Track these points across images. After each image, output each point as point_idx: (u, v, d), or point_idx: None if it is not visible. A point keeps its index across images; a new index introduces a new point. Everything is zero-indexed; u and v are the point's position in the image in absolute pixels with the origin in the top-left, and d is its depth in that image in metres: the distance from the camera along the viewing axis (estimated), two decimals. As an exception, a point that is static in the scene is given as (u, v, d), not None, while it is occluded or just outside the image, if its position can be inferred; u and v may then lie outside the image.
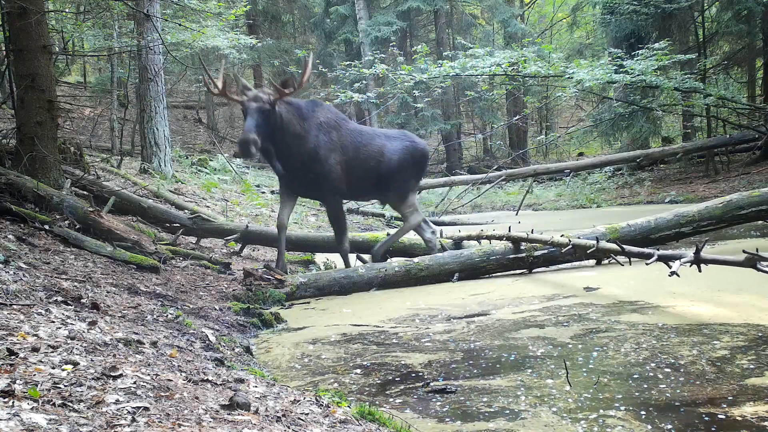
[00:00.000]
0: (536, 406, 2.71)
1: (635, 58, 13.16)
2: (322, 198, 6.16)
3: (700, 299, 4.42)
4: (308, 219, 11.12)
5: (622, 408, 2.60)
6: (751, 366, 2.98)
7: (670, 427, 2.40)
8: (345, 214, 6.36)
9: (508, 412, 2.67)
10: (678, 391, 2.73)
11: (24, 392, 1.75)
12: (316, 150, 5.75)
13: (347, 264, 6.07)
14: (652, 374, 2.98)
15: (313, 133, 5.77)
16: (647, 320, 3.97)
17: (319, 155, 5.77)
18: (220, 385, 2.42)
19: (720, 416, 2.45)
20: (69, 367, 2.09)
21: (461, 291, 5.38)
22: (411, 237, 6.91)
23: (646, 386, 2.81)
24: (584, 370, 3.15)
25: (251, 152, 5.28)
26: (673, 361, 3.16)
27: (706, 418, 2.44)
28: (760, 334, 3.48)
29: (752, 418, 2.40)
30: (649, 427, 2.39)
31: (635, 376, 2.97)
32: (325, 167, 5.79)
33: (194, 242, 6.86)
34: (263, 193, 12.59)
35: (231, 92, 5.62)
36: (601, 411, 2.61)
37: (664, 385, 2.80)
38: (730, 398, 2.61)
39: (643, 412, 2.52)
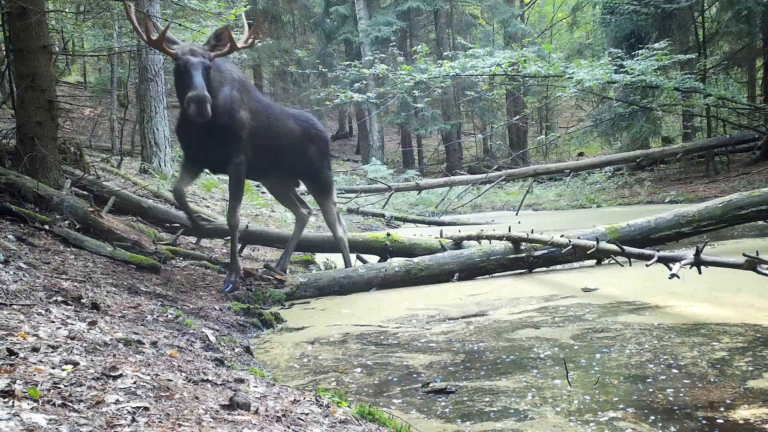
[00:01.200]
0: (539, 406, 2.71)
1: (635, 58, 13.17)
2: (226, 162, 5.23)
3: (699, 299, 4.42)
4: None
5: (629, 410, 2.59)
6: (750, 368, 2.98)
7: (678, 430, 2.39)
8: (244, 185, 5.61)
9: (512, 411, 2.67)
10: (680, 394, 2.71)
11: (24, 392, 1.75)
12: (231, 105, 5.06)
13: (234, 243, 5.29)
14: (654, 376, 2.98)
15: (227, 87, 5.09)
16: (645, 321, 3.97)
17: (232, 111, 5.07)
18: (220, 385, 2.42)
19: (726, 420, 2.43)
20: (69, 367, 2.09)
21: (460, 291, 5.39)
22: (411, 237, 6.91)
23: (651, 390, 2.79)
24: (586, 371, 3.14)
25: (209, 112, 4.51)
26: (675, 362, 3.15)
27: (712, 422, 2.42)
28: (758, 335, 3.49)
29: (755, 422, 2.39)
30: (660, 432, 2.39)
31: (641, 379, 2.97)
32: (235, 123, 5.09)
33: (194, 242, 6.86)
34: (263, 193, 12.57)
35: (168, 45, 4.77)
36: (609, 413, 2.61)
37: (671, 389, 2.78)
38: (733, 401, 2.60)
39: (651, 417, 2.50)
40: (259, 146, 5.35)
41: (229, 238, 6.70)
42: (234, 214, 5.19)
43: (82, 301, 3.49)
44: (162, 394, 2.05)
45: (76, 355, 2.28)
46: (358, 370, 3.39)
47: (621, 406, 2.63)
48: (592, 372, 3.09)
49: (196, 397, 2.12)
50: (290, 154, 5.73)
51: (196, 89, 4.49)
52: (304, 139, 5.82)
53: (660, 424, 2.43)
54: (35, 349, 2.22)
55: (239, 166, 5.18)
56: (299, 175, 6.00)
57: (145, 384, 2.08)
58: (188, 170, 5.37)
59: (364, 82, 17.05)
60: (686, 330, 3.69)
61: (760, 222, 6.86)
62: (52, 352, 2.26)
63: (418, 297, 5.26)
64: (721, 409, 2.54)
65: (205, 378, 2.46)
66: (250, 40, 5.17)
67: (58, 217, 5.25)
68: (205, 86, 4.54)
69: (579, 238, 5.84)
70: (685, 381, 2.88)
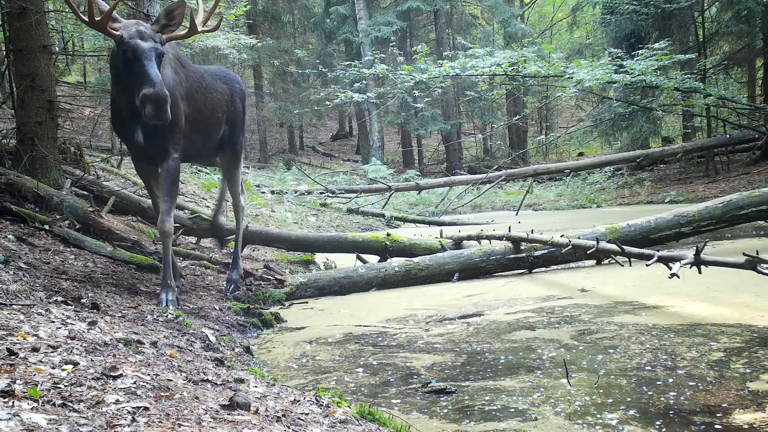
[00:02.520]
0: (538, 406, 2.71)
1: (635, 58, 13.16)
2: (162, 157, 4.36)
3: (698, 300, 4.42)
4: (308, 219, 11.12)
5: (631, 412, 2.59)
6: (748, 369, 2.97)
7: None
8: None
9: (513, 411, 2.67)
10: (682, 398, 2.70)
11: (24, 392, 1.75)
12: (172, 91, 4.22)
13: (167, 252, 4.29)
14: (655, 378, 2.98)
15: (168, 69, 4.28)
16: (645, 321, 3.97)
17: (174, 97, 4.22)
18: (220, 385, 2.42)
19: (729, 425, 2.41)
20: (69, 367, 2.09)
21: (457, 292, 5.39)
22: (411, 237, 6.91)
23: (651, 392, 2.79)
24: (587, 372, 3.14)
25: (169, 114, 3.75)
26: (675, 364, 3.16)
27: (714, 426, 2.41)
28: (755, 335, 3.49)
29: (758, 426, 2.37)
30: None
31: (642, 380, 2.97)
32: (176, 114, 4.25)
33: (194, 242, 6.86)
34: (263, 193, 12.59)
35: (112, 25, 3.89)
36: (611, 415, 2.61)
37: (672, 392, 2.77)
38: (735, 404, 2.59)
39: (656, 421, 2.49)
40: (198, 128, 4.66)
41: (230, 237, 6.69)
42: (168, 218, 4.25)
43: (82, 301, 3.49)
44: (162, 394, 2.05)
45: (76, 355, 2.28)
46: (359, 370, 3.40)
47: (623, 408, 2.63)
48: (593, 373, 3.09)
49: (196, 397, 2.12)
50: (222, 122, 5.01)
51: (154, 86, 3.70)
52: (231, 99, 5.08)
53: (664, 429, 2.42)
54: (35, 349, 2.23)
55: (177, 161, 4.41)
56: (224, 143, 5.13)
57: (145, 384, 2.08)
58: (150, 177, 4.58)
59: (364, 82, 17.04)
60: (685, 330, 3.69)
61: (760, 222, 6.86)
62: (52, 352, 2.26)
63: (417, 297, 5.26)
64: (723, 412, 2.52)
65: (205, 378, 2.46)
66: (211, 23, 4.54)
67: (58, 217, 5.25)
68: (162, 79, 3.79)
69: (579, 238, 5.84)
70: (687, 383, 2.87)
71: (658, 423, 2.47)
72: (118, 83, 4.10)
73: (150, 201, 5.41)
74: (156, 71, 3.79)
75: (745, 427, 2.38)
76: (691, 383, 2.85)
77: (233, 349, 3.59)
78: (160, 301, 4.15)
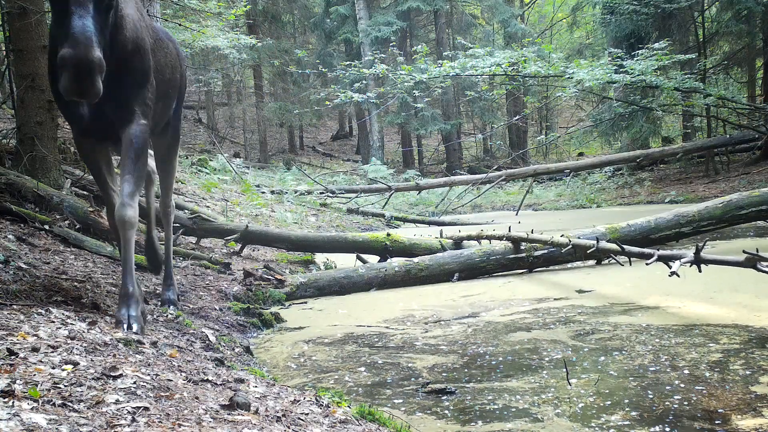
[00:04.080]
0: (539, 405, 2.71)
1: (635, 58, 13.16)
2: (123, 120, 3.25)
3: (697, 300, 4.41)
4: (308, 219, 11.12)
5: (633, 413, 2.58)
6: (748, 372, 2.96)
7: None
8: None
9: (513, 412, 2.67)
10: (685, 402, 2.67)
11: (24, 392, 1.75)
12: (143, 40, 3.28)
13: (126, 249, 3.21)
14: (656, 380, 2.97)
15: (130, 14, 3.20)
16: (641, 321, 3.97)
17: (143, 48, 3.27)
18: (220, 385, 2.42)
19: (735, 429, 2.40)
20: (69, 367, 2.09)
21: (454, 292, 5.39)
22: (411, 237, 6.91)
23: (652, 395, 2.77)
24: (587, 374, 3.14)
25: (98, 87, 2.59)
26: (675, 365, 3.15)
27: (721, 430, 2.40)
28: (752, 335, 3.49)
29: (763, 431, 2.37)
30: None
31: (643, 382, 2.96)
32: (145, 66, 3.29)
33: (194, 242, 6.86)
34: (263, 193, 12.59)
35: None
36: (613, 417, 2.61)
37: (675, 395, 2.75)
38: (737, 406, 2.57)
39: (658, 424, 2.47)
40: (159, 95, 3.61)
41: (229, 237, 6.68)
42: (131, 203, 3.17)
43: (82, 301, 3.49)
44: (162, 394, 2.05)
45: (76, 355, 2.28)
46: (361, 369, 3.40)
47: (626, 410, 2.62)
48: (594, 374, 3.09)
49: (196, 397, 2.12)
50: (176, 89, 3.97)
51: (76, 44, 2.54)
52: (179, 62, 4.04)
53: (667, 429, 2.41)
54: (35, 349, 2.22)
55: (145, 128, 3.31)
56: (167, 124, 4.08)
57: (145, 384, 2.08)
58: (97, 157, 3.50)
59: (364, 82, 17.05)
60: (684, 331, 3.69)
61: (760, 222, 6.85)
62: (52, 352, 2.26)
63: (415, 297, 5.26)
64: (725, 417, 2.50)
65: (205, 378, 2.46)
66: None
67: (58, 217, 5.25)
68: (97, 35, 2.64)
69: (579, 237, 5.84)
70: (689, 385, 2.85)
71: (665, 427, 2.45)
72: (55, 44, 2.95)
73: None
74: (85, 23, 2.60)
75: (754, 432, 2.36)
76: (692, 386, 2.84)
77: (233, 349, 3.59)
78: (119, 318, 3.05)
